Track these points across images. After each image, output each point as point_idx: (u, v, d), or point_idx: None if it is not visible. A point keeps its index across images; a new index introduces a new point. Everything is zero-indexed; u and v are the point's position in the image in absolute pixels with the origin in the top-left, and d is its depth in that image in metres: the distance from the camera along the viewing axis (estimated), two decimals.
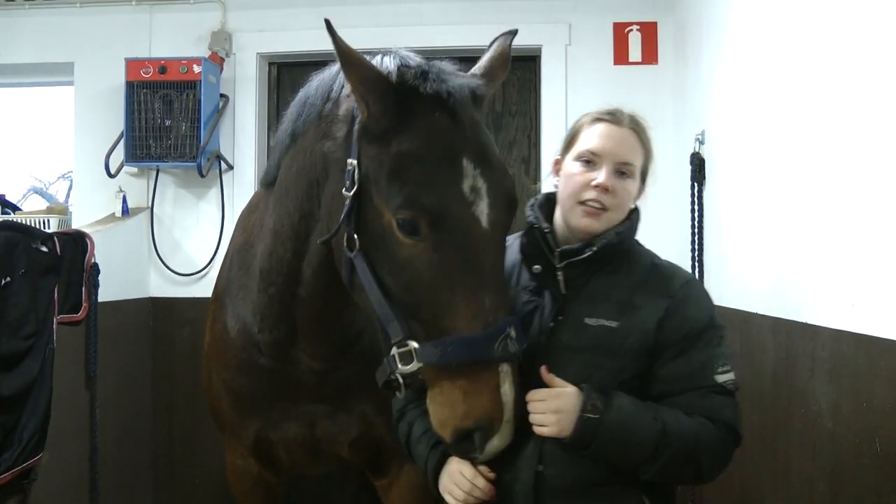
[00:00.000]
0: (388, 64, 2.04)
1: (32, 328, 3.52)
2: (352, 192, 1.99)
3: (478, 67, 2.26)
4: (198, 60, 4.86)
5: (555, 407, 1.93)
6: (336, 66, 2.17)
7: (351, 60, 1.97)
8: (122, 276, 4.73)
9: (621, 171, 2.11)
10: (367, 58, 2.04)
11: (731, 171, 3.73)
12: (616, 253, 2.11)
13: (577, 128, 2.21)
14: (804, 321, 2.77)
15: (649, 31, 5.06)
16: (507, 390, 1.84)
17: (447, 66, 2.08)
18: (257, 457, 2.94)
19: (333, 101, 2.21)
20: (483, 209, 1.92)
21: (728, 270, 3.76)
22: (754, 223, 3.36)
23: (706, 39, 4.20)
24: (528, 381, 1.98)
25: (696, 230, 4.21)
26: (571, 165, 2.14)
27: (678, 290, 2.10)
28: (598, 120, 2.17)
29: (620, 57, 5.06)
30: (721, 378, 2.03)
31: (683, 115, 4.68)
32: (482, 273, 1.88)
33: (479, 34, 5.11)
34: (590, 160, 2.10)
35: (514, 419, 1.86)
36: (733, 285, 3.66)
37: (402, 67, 2.03)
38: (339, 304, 2.39)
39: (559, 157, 2.24)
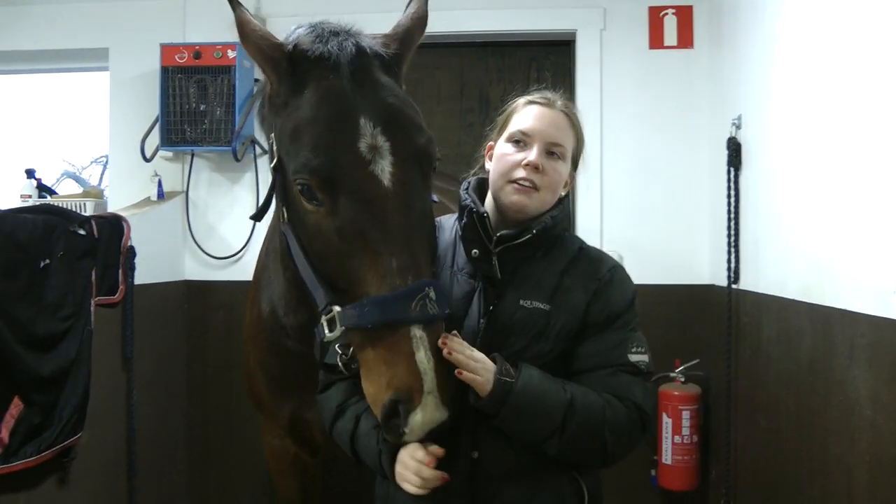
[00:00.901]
0: (298, 32, 2.08)
1: (70, 310, 3.56)
2: (274, 163, 2.05)
3: (392, 28, 2.26)
4: (232, 45, 4.86)
5: (479, 357, 1.91)
6: None
7: (244, 31, 2.03)
8: (157, 259, 4.76)
9: (551, 151, 2.12)
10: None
11: (768, 155, 3.69)
12: (549, 238, 2.14)
13: (510, 111, 2.22)
14: (843, 308, 2.74)
15: (685, 15, 5.01)
16: (421, 358, 1.77)
17: (356, 30, 2.08)
18: (293, 437, 2.96)
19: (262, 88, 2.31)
20: (385, 168, 1.88)
21: (764, 256, 3.73)
22: (792, 208, 3.33)
23: (742, 22, 4.15)
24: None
25: (732, 215, 4.18)
26: (503, 147, 2.16)
27: (605, 273, 2.13)
28: (530, 102, 2.19)
29: (656, 41, 5.02)
30: (634, 358, 2.05)
31: (719, 100, 4.64)
32: (387, 234, 1.84)
33: (512, 19, 5.13)
34: (520, 140, 2.13)
35: (439, 391, 1.78)
36: (770, 271, 3.63)
37: (303, 35, 2.05)
38: None
39: (492, 142, 2.26)
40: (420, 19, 2.31)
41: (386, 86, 2.01)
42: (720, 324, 4.40)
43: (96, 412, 3.75)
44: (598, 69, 5.04)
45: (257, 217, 2.19)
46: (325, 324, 1.90)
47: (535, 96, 2.20)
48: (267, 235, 2.96)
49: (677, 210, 4.95)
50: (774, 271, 3.55)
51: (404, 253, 1.84)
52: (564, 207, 2.18)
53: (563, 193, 2.21)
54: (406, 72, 2.25)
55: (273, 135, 2.08)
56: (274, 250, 2.72)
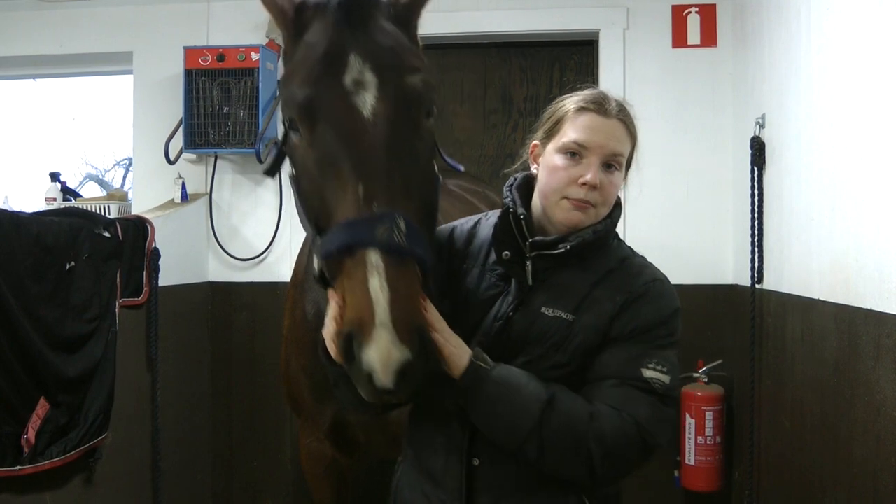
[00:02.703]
0: None
1: (96, 312, 3.59)
2: (283, 121, 2.01)
3: None
4: (256, 48, 4.89)
5: (456, 341, 1.85)
6: None
7: None
8: (181, 261, 4.80)
9: (609, 163, 2.00)
10: None
11: (792, 154, 3.67)
12: (590, 249, 2.02)
13: (561, 115, 2.07)
14: (869, 307, 2.71)
15: (708, 13, 4.98)
16: (375, 286, 1.63)
17: None
18: (334, 440, 2.97)
19: None
20: (367, 100, 1.81)
21: (788, 256, 3.71)
22: (816, 207, 3.30)
23: (766, 20, 4.12)
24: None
25: (756, 215, 4.15)
26: (555, 157, 2.02)
27: (639, 286, 1.99)
28: (583, 109, 2.03)
29: (679, 40, 5.00)
30: (648, 374, 1.89)
31: (743, 99, 4.61)
32: (359, 164, 1.76)
33: (535, 19, 5.13)
34: (575, 152, 1.99)
35: (396, 326, 1.62)
36: (794, 271, 3.61)
37: None
38: None
39: (537, 142, 2.12)
40: None
41: (386, 30, 1.94)
42: (744, 324, 4.37)
43: (121, 413, 3.79)
44: (622, 69, 5.03)
45: (270, 172, 2.16)
46: (314, 258, 1.89)
47: (587, 101, 2.04)
48: (306, 240, 2.96)
49: (701, 209, 4.93)
50: (799, 271, 3.53)
51: (376, 182, 1.75)
52: (612, 219, 2.07)
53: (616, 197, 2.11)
54: (417, 33, 2.12)
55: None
56: None
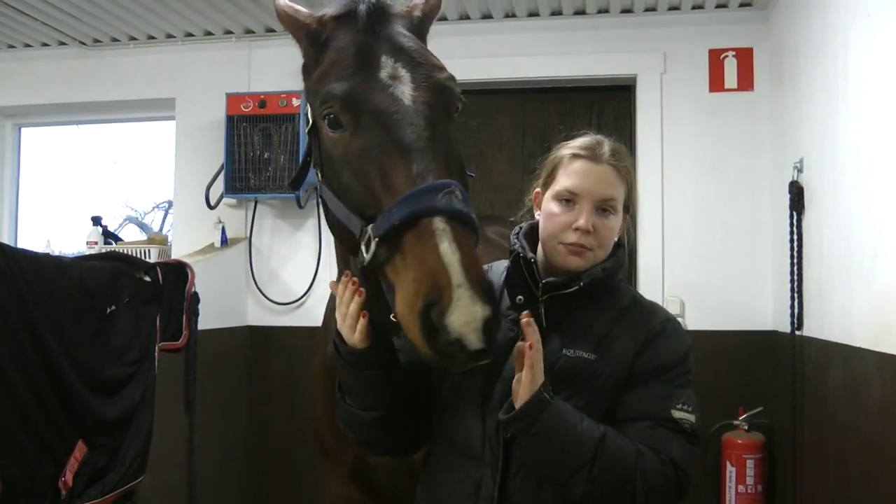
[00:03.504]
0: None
1: (135, 355, 3.63)
2: (309, 128, 2.09)
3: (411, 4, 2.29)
4: (297, 94, 4.96)
5: (534, 366, 1.81)
6: None
7: (279, 11, 2.19)
8: (220, 305, 4.84)
9: (602, 208, 2.05)
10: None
11: (831, 199, 3.64)
12: (600, 288, 2.05)
13: (556, 162, 2.14)
14: None
15: (745, 57, 4.99)
16: (446, 249, 1.65)
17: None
18: (358, 483, 2.96)
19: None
20: (405, 90, 1.90)
21: (829, 302, 3.66)
22: (857, 253, 3.26)
23: (803, 64, 4.11)
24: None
25: (796, 260, 4.11)
26: (551, 204, 2.08)
27: (657, 324, 2.04)
28: (575, 156, 2.10)
29: (716, 84, 5.01)
30: (678, 415, 1.92)
31: (781, 143, 4.59)
32: (409, 144, 1.82)
33: (573, 64, 5.16)
34: (569, 199, 2.05)
35: (471, 284, 1.62)
36: (835, 318, 3.56)
37: (330, 8, 2.14)
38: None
39: (538, 189, 2.19)
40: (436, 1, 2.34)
41: (408, 36, 2.06)
42: (784, 371, 4.31)
43: (159, 456, 3.81)
44: (659, 113, 5.04)
45: (294, 184, 2.22)
46: (362, 249, 1.84)
47: (579, 148, 2.12)
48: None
49: (739, 254, 4.88)
50: (840, 318, 3.48)
51: (428, 158, 1.81)
52: (618, 258, 2.11)
53: (615, 239, 2.14)
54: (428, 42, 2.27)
55: (308, 100, 2.15)
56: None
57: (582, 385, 1.96)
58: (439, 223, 1.69)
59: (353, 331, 1.88)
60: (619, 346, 1.99)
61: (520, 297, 2.05)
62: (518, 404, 1.82)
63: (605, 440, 1.84)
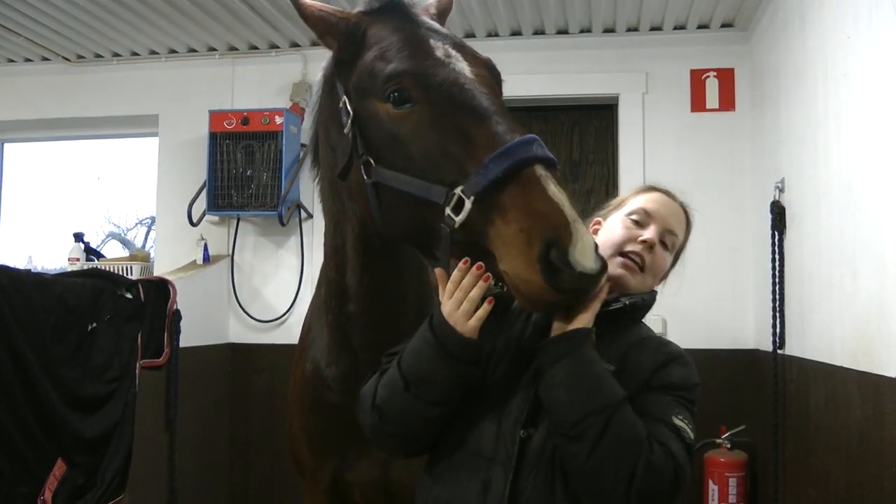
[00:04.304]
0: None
1: (116, 372, 3.61)
2: (350, 121, 2.10)
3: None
4: (280, 111, 4.97)
5: (590, 309, 1.85)
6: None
7: (304, 9, 2.18)
8: (202, 322, 4.82)
9: (664, 240, 2.11)
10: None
11: (812, 219, 3.66)
12: (629, 318, 2.08)
13: (627, 196, 2.23)
14: (893, 376, 2.68)
15: (726, 78, 5.03)
16: (554, 191, 1.70)
17: None
18: (335, 501, 2.94)
19: (317, 92, 2.37)
20: (464, 67, 1.99)
21: (810, 322, 3.68)
22: (837, 273, 3.28)
23: (784, 86, 4.15)
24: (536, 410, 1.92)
25: (777, 279, 4.13)
26: (619, 220, 2.14)
27: (675, 352, 2.06)
28: (653, 188, 2.21)
29: (697, 104, 5.04)
30: (678, 423, 1.93)
31: (762, 163, 4.62)
32: (485, 108, 1.89)
33: (556, 84, 5.19)
34: (640, 220, 2.11)
35: (578, 218, 1.68)
36: (816, 337, 3.58)
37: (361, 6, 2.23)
38: (391, 319, 2.40)
39: (599, 218, 2.23)
40: (449, 2, 2.45)
41: (439, 25, 2.18)
42: (766, 389, 4.32)
43: (138, 474, 3.78)
44: (641, 132, 5.07)
45: (343, 175, 2.22)
46: (449, 212, 1.83)
47: (655, 185, 2.24)
48: (312, 300, 2.99)
49: (721, 274, 4.90)
50: (821, 337, 3.50)
51: (507, 119, 1.87)
52: (653, 297, 2.15)
53: (657, 286, 2.19)
54: None
55: (344, 95, 2.15)
56: (316, 308, 2.74)
57: None
58: (540, 170, 1.75)
59: (468, 317, 1.86)
60: (640, 362, 2.00)
61: None
62: (565, 327, 1.84)
63: (622, 407, 1.82)
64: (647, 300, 2.11)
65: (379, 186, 2.05)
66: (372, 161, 2.05)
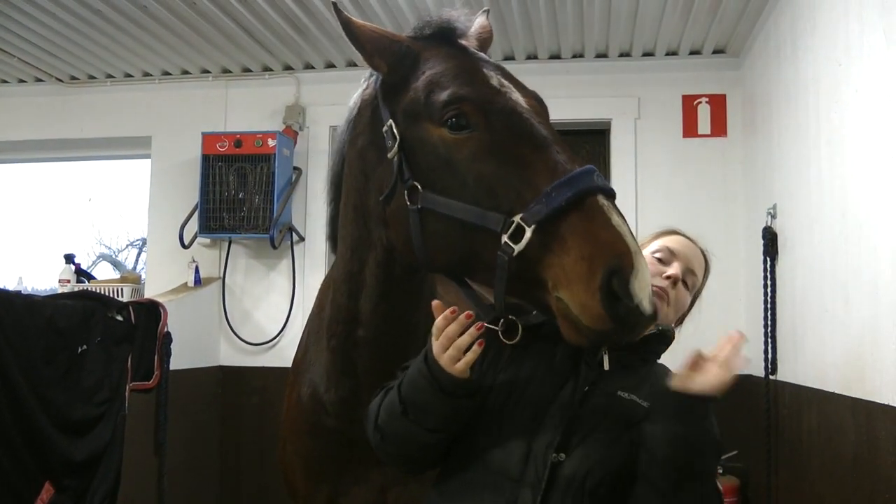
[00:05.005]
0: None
1: (106, 395, 3.58)
2: (396, 145, 2.07)
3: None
4: (272, 134, 4.97)
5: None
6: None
7: (354, 30, 2.14)
8: (193, 345, 4.79)
9: (685, 279, 2.18)
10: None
11: (805, 245, 3.67)
12: (658, 347, 2.13)
13: (649, 237, 2.29)
14: (887, 403, 2.68)
15: (718, 104, 5.06)
16: (617, 221, 1.72)
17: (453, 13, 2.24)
18: None
19: (352, 116, 2.34)
20: (518, 97, 2.00)
21: (802, 347, 3.68)
22: (830, 299, 3.29)
23: (775, 112, 4.17)
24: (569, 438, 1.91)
25: (769, 305, 4.14)
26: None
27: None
28: (673, 232, 2.28)
29: (689, 129, 5.07)
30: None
31: (754, 188, 4.64)
32: (544, 137, 1.91)
33: (550, 108, 5.15)
34: (664, 258, 2.18)
35: (639, 250, 1.70)
36: (808, 363, 3.57)
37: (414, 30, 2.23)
38: (400, 348, 2.38)
39: None
40: (488, 30, 2.42)
41: (487, 56, 2.20)
42: (758, 415, 4.32)
43: (127, 498, 3.74)
44: (633, 157, 5.09)
45: (388, 200, 2.19)
46: (507, 241, 1.81)
47: (678, 229, 2.31)
48: (307, 323, 2.97)
49: (712, 299, 4.88)
50: (813, 363, 3.50)
51: (567, 150, 1.90)
52: (674, 334, 2.19)
53: (675, 327, 2.22)
54: None
55: (390, 119, 2.12)
56: (315, 331, 2.72)
57: (627, 425, 1.96)
58: (603, 200, 1.76)
59: (454, 361, 1.85)
60: (662, 399, 1.97)
61: None
62: (715, 384, 1.81)
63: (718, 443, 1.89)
64: (670, 335, 2.15)
65: (424, 212, 2.02)
66: (419, 186, 2.02)
